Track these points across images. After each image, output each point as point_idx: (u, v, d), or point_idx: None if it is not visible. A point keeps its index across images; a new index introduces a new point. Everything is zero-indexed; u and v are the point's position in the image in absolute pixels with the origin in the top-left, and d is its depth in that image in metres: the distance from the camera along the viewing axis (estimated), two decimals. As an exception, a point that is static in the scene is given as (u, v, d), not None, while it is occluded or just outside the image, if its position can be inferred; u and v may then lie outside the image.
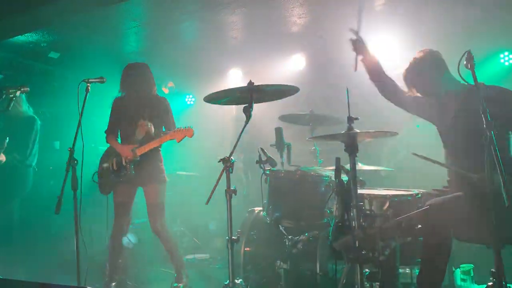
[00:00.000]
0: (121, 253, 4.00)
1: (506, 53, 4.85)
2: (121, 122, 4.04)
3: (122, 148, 3.90)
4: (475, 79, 2.24)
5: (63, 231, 4.34)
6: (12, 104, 3.62)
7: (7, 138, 4.14)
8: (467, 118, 2.59)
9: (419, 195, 2.60)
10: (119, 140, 4.06)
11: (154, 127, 3.81)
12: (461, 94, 2.79)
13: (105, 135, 4.08)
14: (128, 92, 4.03)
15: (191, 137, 3.70)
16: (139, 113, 3.88)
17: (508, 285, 2.14)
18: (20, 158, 4.37)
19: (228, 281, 2.62)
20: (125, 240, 4.05)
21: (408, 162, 4.57)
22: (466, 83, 2.33)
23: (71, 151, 2.96)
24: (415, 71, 2.99)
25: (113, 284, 3.89)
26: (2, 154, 4.14)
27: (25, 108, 4.53)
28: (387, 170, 3.81)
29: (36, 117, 4.57)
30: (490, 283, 2.32)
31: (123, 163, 3.86)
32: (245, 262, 3.14)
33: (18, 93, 3.49)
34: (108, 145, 4.06)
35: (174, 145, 4.38)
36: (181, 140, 3.71)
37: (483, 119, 2.09)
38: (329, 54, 5.91)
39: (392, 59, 5.19)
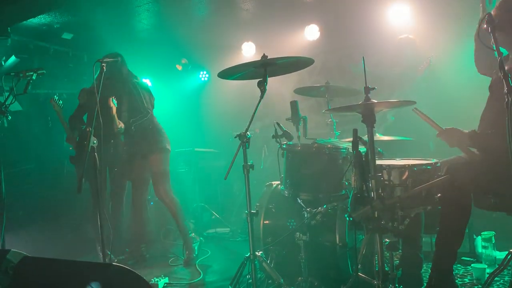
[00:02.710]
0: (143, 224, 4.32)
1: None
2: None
3: None
4: (496, 43, 2.17)
5: (86, 210, 4.46)
6: (29, 87, 3.67)
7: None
8: None
9: (439, 164, 2.56)
10: None
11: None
12: None
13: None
14: None
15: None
16: None
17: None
18: None
19: (249, 253, 2.68)
20: None
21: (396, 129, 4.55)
22: None
23: (90, 131, 3.00)
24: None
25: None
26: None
27: None
28: (406, 139, 3.76)
29: None
30: (511, 250, 2.31)
31: None
32: (264, 235, 3.18)
33: (34, 76, 3.53)
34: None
35: (190, 122, 4.43)
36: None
37: (504, 84, 2.03)
38: (344, 23, 5.79)
39: (405, 25, 5.15)
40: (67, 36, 5.44)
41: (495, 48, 2.15)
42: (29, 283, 2.24)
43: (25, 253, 2.91)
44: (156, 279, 3.49)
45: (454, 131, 2.71)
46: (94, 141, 2.97)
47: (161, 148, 4.28)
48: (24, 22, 4.87)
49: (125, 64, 4.29)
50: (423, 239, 3.06)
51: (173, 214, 4.30)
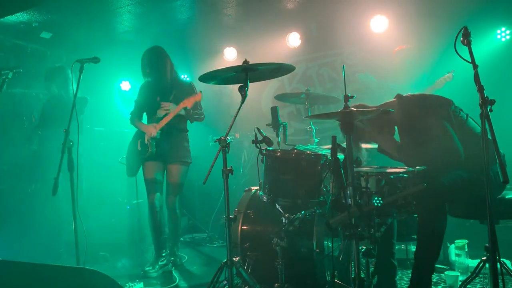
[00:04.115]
0: (162, 229, 4.13)
1: (503, 29, 4.81)
2: (146, 106, 4.19)
3: (145, 127, 4.08)
4: (471, 56, 2.23)
5: (60, 213, 4.36)
6: (4, 86, 3.58)
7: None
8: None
9: (416, 173, 2.61)
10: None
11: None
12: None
13: (129, 117, 4.25)
14: (154, 78, 4.13)
15: (200, 100, 3.97)
16: (163, 96, 4.07)
17: (501, 259, 2.18)
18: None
19: (226, 259, 2.66)
20: None
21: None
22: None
23: (67, 132, 2.94)
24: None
25: (161, 259, 4.04)
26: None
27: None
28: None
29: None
30: (484, 258, 2.36)
31: (145, 141, 4.04)
32: (242, 240, 3.17)
33: (10, 74, 3.45)
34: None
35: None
36: (192, 104, 3.94)
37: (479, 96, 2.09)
38: (325, 32, 5.88)
39: (385, 36, 5.25)
40: (45, 35, 5.35)
41: (470, 61, 2.22)
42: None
43: (-5, 256, 2.82)
44: (130, 284, 3.43)
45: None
46: (70, 142, 2.92)
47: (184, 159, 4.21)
48: (1, 19, 4.77)
49: None
50: (396, 246, 3.10)
51: (172, 228, 4.15)
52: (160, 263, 4.00)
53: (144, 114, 4.27)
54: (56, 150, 3.10)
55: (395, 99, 2.97)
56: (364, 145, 3.67)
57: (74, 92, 3.13)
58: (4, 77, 3.45)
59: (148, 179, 4.13)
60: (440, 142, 2.67)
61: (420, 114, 2.79)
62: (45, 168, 4.22)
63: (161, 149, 4.04)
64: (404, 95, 2.98)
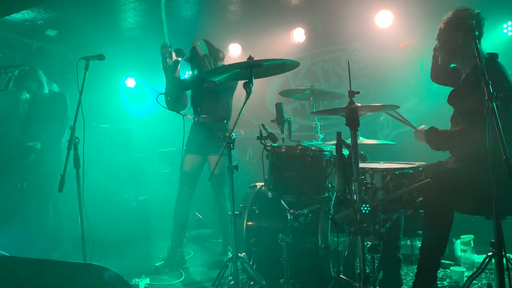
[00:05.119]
0: (185, 223, 4.12)
1: (510, 23, 4.77)
2: None
3: None
4: (477, 50, 2.22)
5: (67, 209, 4.39)
6: (11, 84, 3.60)
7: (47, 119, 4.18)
8: None
9: (421, 168, 2.60)
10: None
11: None
12: None
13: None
14: None
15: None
16: None
17: (507, 255, 2.17)
18: (59, 138, 4.36)
19: (231, 254, 2.67)
20: None
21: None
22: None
23: (72, 129, 2.96)
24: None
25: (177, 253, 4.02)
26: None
27: (50, 86, 4.41)
28: (389, 144, 3.80)
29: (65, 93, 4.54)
30: (490, 254, 2.35)
31: None
32: (247, 236, 3.18)
33: (17, 72, 3.47)
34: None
35: (173, 123, 4.40)
36: None
37: (485, 90, 2.07)
38: (330, 27, 5.85)
39: (390, 31, 5.22)
40: (51, 32, 5.37)
41: (476, 55, 2.20)
42: (5, 283, 2.20)
43: (2, 252, 2.86)
44: (137, 280, 3.46)
45: (419, 129, 2.88)
46: (76, 139, 2.94)
47: None
48: (7, 17, 4.79)
49: None
50: (402, 242, 3.10)
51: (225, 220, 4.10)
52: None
53: None
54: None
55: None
56: (366, 141, 3.66)
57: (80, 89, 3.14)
58: (11, 74, 3.47)
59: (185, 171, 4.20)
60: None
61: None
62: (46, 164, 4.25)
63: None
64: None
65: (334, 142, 2.40)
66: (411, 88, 4.83)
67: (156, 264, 3.94)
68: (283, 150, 2.90)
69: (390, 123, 4.90)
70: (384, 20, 5.23)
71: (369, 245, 2.37)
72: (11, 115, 4.37)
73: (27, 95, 4.20)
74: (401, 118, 2.93)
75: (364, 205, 2.23)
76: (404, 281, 3.23)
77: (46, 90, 4.32)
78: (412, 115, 4.37)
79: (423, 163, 2.83)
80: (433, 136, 2.80)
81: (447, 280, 3.31)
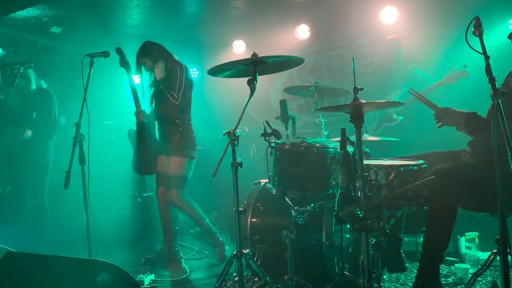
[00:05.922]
0: (171, 221, 4.13)
1: (515, 20, 4.74)
2: None
3: None
4: (483, 47, 2.20)
5: (72, 206, 4.41)
6: (17, 80, 3.62)
7: (34, 113, 4.25)
8: None
9: (425, 165, 2.60)
10: None
11: None
12: None
13: None
14: None
15: None
16: None
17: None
18: (47, 133, 4.43)
19: (236, 251, 2.68)
20: None
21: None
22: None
23: (78, 126, 2.98)
24: None
25: (173, 249, 4.03)
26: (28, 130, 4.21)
27: (38, 83, 4.49)
28: (394, 140, 3.79)
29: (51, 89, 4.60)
30: (494, 251, 2.35)
31: None
32: (252, 233, 3.19)
33: (22, 69, 3.48)
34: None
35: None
36: None
37: (491, 87, 2.06)
38: (334, 24, 5.83)
39: (395, 28, 5.20)
40: (56, 30, 5.38)
41: (481, 52, 2.19)
42: (12, 278, 2.22)
43: (9, 248, 2.88)
44: (142, 276, 3.47)
45: (450, 110, 2.81)
46: (81, 136, 2.95)
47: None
48: (12, 14, 4.80)
49: None
50: (407, 239, 3.11)
51: (191, 218, 4.22)
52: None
53: None
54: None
55: None
56: (370, 138, 3.66)
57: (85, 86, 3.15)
58: (16, 72, 3.49)
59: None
60: None
61: None
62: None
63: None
64: None
65: (339, 139, 2.40)
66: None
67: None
68: (287, 147, 2.90)
69: (377, 116, 4.89)
70: (389, 16, 5.20)
71: (373, 242, 2.37)
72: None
73: (15, 91, 4.27)
74: (422, 98, 2.92)
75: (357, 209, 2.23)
76: (409, 278, 3.23)
77: (34, 87, 4.39)
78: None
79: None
80: (473, 121, 2.72)
81: (452, 277, 3.31)
